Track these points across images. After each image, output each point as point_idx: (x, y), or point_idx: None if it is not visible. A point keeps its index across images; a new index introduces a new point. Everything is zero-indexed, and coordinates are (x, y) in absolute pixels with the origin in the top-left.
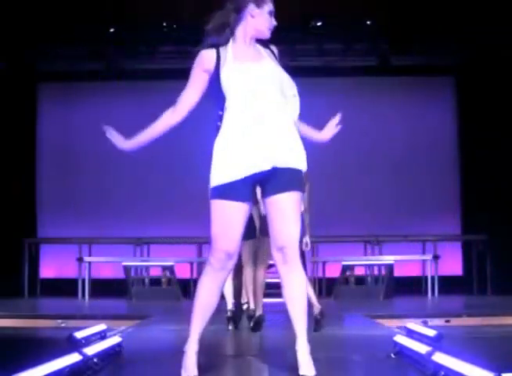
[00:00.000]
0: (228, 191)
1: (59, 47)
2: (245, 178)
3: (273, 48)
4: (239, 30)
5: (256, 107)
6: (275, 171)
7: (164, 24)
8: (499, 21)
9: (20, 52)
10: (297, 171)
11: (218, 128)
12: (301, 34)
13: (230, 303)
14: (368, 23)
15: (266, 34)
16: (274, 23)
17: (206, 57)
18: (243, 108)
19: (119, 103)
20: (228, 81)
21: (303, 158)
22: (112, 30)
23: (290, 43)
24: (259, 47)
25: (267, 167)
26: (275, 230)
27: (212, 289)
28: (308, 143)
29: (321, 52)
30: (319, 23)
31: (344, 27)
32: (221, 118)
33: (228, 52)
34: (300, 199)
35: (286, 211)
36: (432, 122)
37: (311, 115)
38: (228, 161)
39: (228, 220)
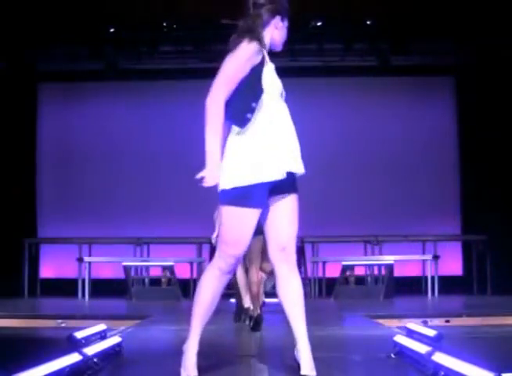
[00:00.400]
0: (249, 195)
1: (59, 47)
2: (269, 182)
3: None
4: (265, 37)
5: (278, 111)
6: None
7: (164, 24)
8: (499, 21)
9: (20, 52)
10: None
11: (247, 120)
12: (301, 34)
13: (247, 301)
14: (368, 23)
15: (279, 48)
16: (285, 38)
17: (258, 51)
18: (270, 111)
19: (119, 103)
20: (267, 80)
21: None
22: (112, 30)
23: (290, 43)
24: None
25: (284, 172)
26: (278, 230)
27: (215, 290)
28: (308, 143)
29: (321, 52)
30: (319, 23)
31: (344, 27)
32: (253, 110)
33: (265, 52)
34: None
35: (290, 212)
36: (432, 122)
37: (310, 115)
38: (260, 161)
39: (243, 227)
